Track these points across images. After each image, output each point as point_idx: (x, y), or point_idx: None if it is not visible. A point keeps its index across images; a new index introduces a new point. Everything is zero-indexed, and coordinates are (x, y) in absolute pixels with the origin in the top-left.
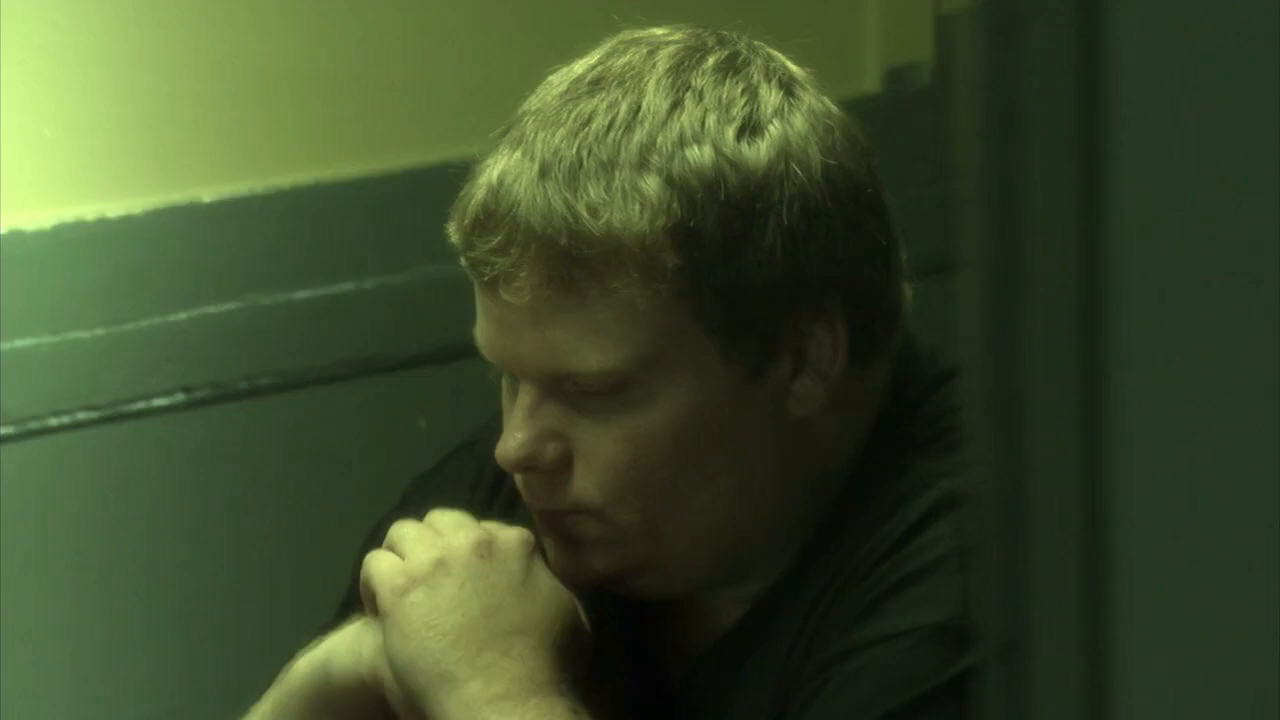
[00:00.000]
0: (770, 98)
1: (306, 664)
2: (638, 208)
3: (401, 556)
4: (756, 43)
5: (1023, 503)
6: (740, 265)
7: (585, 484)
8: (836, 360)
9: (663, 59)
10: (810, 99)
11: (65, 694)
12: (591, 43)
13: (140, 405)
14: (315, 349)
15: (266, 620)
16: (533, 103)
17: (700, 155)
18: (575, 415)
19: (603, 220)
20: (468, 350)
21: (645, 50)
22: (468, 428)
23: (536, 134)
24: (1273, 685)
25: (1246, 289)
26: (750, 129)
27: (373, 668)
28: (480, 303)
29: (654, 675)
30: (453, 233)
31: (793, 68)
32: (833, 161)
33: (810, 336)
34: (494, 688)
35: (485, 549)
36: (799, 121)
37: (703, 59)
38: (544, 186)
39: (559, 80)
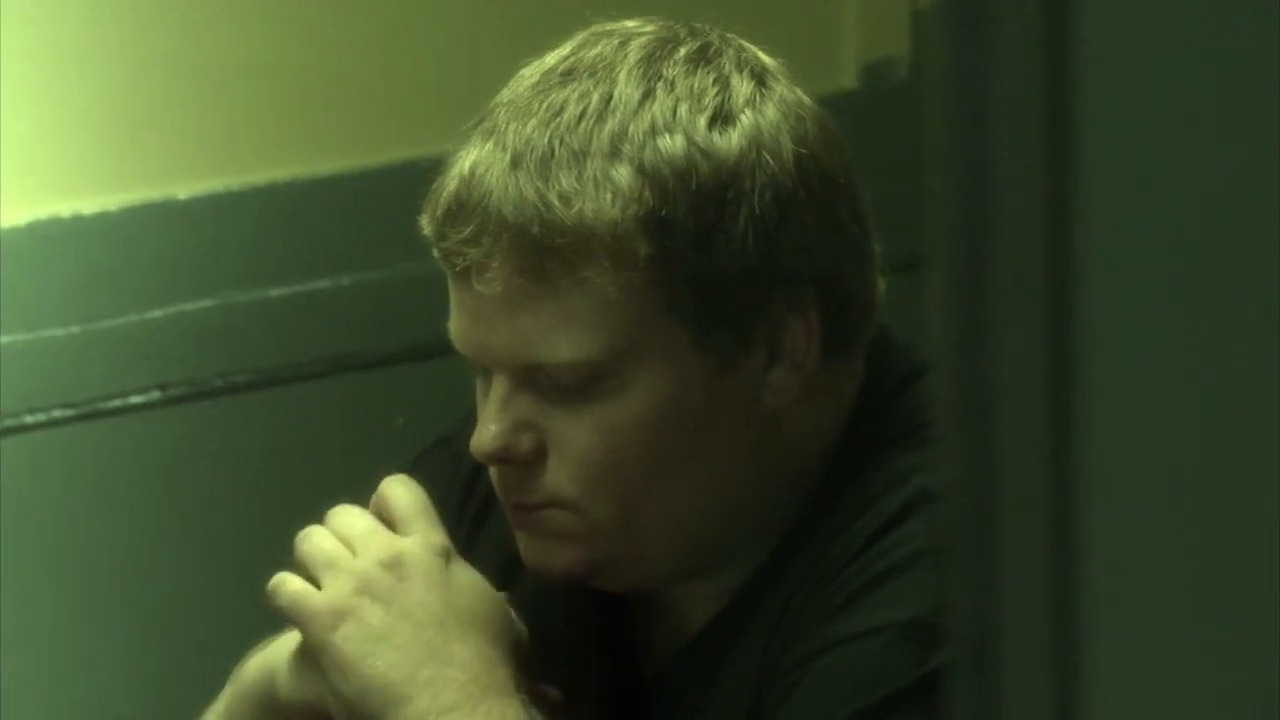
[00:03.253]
0: (742, 88)
1: (255, 669)
2: (609, 196)
3: (318, 583)
4: (729, 35)
5: (992, 499)
6: (712, 254)
7: (559, 476)
8: (810, 351)
9: (634, 50)
10: (782, 89)
11: (43, 693)
12: (566, 37)
13: (116, 403)
14: (292, 346)
15: (244, 618)
16: (505, 95)
17: (672, 144)
18: (548, 407)
19: (574, 209)
20: (445, 347)
21: (617, 41)
22: (444, 424)
23: (508, 124)
24: (1244, 682)
25: (1216, 283)
26: (722, 118)
27: (316, 696)
28: (453, 295)
29: (629, 672)
30: (425, 224)
31: (765, 59)
32: (805, 151)
33: (784, 327)
34: (442, 699)
35: (397, 566)
36: (771, 111)
37: (674, 50)
38: (515, 176)
39: (530, 72)
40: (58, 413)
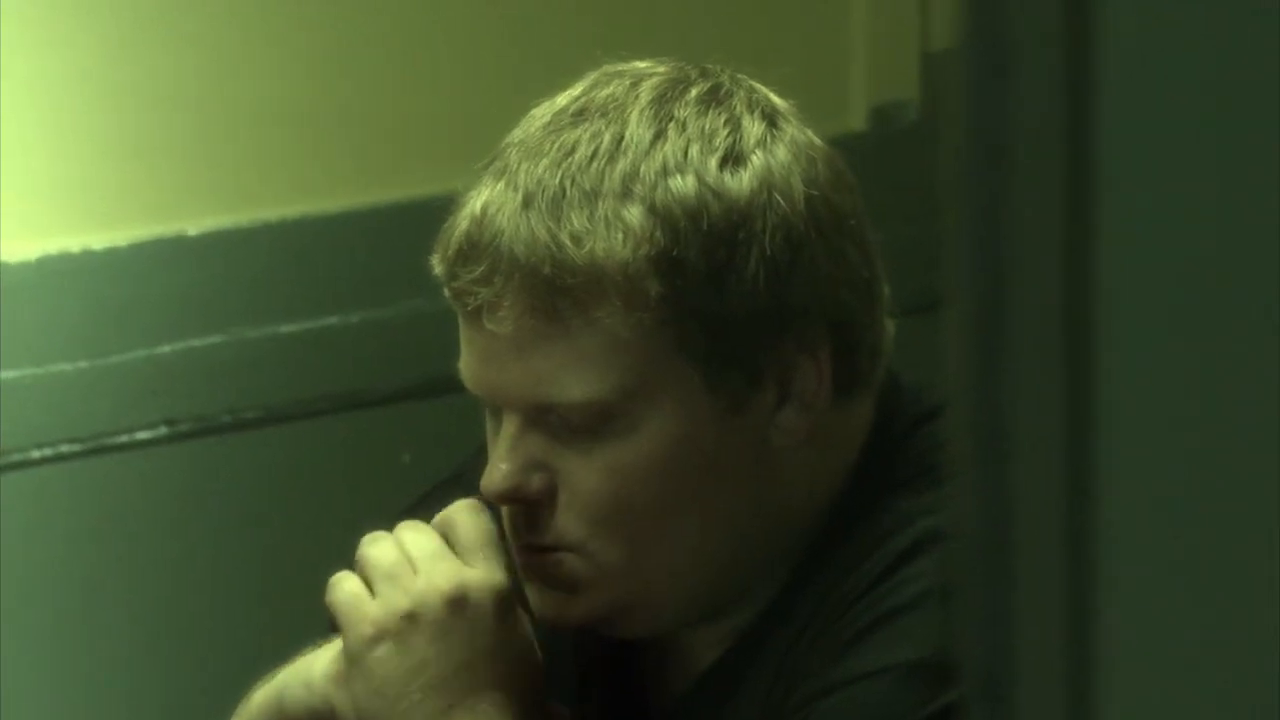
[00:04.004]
0: (753, 128)
1: (262, 695)
2: (621, 236)
3: (372, 590)
4: (739, 75)
5: (1007, 537)
6: (724, 294)
7: (568, 517)
8: (820, 391)
9: (645, 90)
10: (793, 130)
11: None
12: (577, 76)
13: (124, 438)
14: (300, 383)
15: (249, 653)
16: (516, 135)
17: (683, 185)
18: (559, 447)
19: (586, 249)
20: (452, 385)
21: (628, 82)
22: (453, 462)
23: (520, 164)
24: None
25: (1236, 322)
26: (733, 159)
27: (325, 698)
28: (464, 334)
29: (636, 711)
30: (436, 264)
31: (775, 100)
32: (815, 192)
33: (794, 367)
34: None
35: (458, 602)
36: (781, 152)
37: (685, 90)
38: (527, 216)
39: (542, 112)
40: (65, 448)
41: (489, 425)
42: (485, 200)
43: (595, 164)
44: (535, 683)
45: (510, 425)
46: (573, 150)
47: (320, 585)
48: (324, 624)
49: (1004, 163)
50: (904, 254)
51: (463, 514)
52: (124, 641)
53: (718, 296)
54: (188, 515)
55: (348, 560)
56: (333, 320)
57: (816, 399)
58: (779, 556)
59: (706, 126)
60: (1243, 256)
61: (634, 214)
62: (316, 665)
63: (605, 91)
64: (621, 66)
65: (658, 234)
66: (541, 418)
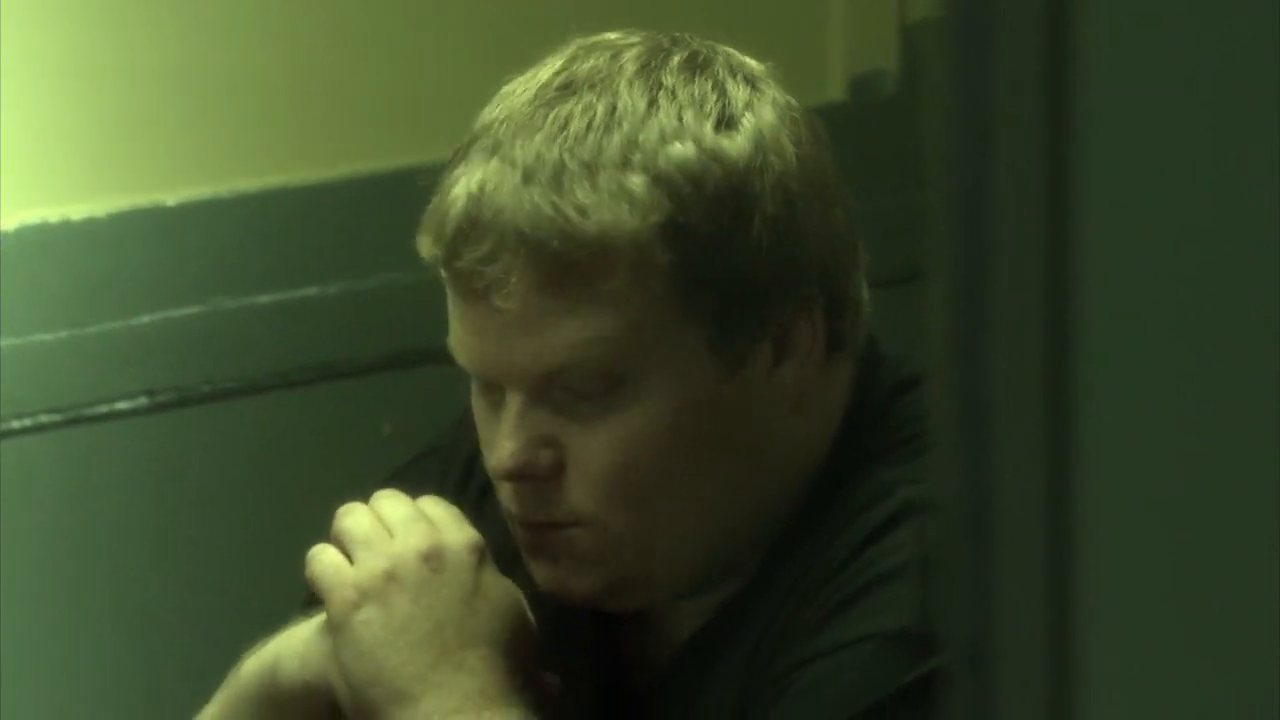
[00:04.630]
0: (738, 92)
1: (254, 665)
2: (626, 206)
3: (350, 558)
4: (708, 42)
5: (988, 506)
6: (729, 257)
7: (579, 491)
8: (814, 349)
9: (629, 61)
10: (774, 92)
11: (31, 699)
12: (554, 48)
13: (103, 409)
14: (279, 353)
15: (230, 623)
16: (495, 113)
17: (683, 150)
18: (566, 421)
19: (593, 221)
20: (432, 356)
21: (609, 54)
22: (431, 433)
23: (514, 140)
24: (1241, 691)
25: (1216, 295)
26: (725, 123)
27: (320, 673)
28: (461, 314)
29: (617, 685)
30: (428, 246)
31: (751, 63)
32: (803, 151)
33: (792, 326)
34: (448, 702)
35: (435, 559)
36: (769, 113)
37: (667, 59)
38: (529, 191)
39: (522, 88)
40: (44, 418)
41: (480, 404)
42: (481, 178)
43: (592, 135)
44: (524, 640)
45: (514, 403)
46: (567, 123)
47: (301, 555)
48: (302, 593)
49: (985, 134)
50: (884, 224)
51: (427, 501)
52: (105, 611)
53: (724, 260)
54: (168, 485)
55: (328, 530)
56: (312, 291)
57: (811, 356)
58: (765, 526)
59: (695, 93)
60: (1224, 230)
61: (637, 183)
62: (311, 640)
63: (587, 64)
64: (594, 39)
65: (663, 201)
66: (546, 393)
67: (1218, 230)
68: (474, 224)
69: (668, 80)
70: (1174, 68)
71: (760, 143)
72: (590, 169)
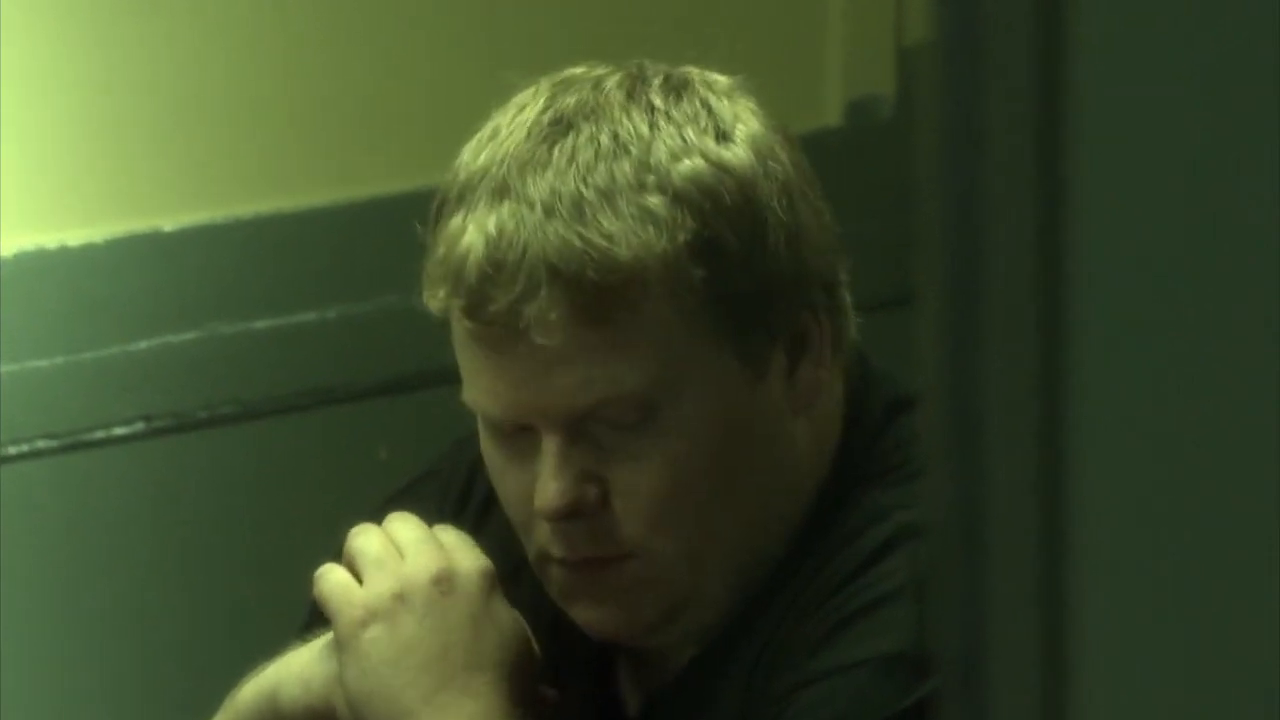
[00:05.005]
0: (722, 106)
1: (252, 691)
2: (652, 228)
3: (360, 578)
4: (669, 66)
5: (981, 530)
6: (752, 266)
7: (629, 521)
8: (823, 350)
9: (612, 90)
10: (748, 102)
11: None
12: (552, 70)
13: (100, 434)
14: (276, 379)
15: (228, 647)
16: (483, 159)
17: (694, 166)
18: (605, 454)
19: (623, 246)
20: (428, 380)
21: (589, 86)
22: (429, 457)
23: (523, 179)
24: (1234, 710)
25: (1208, 317)
26: (722, 136)
27: (324, 697)
28: (486, 362)
29: (616, 711)
30: (442, 299)
31: (721, 78)
32: (792, 156)
33: (804, 328)
34: None
35: (446, 582)
36: (755, 123)
37: (648, 84)
38: (553, 225)
39: (507, 131)
40: (41, 443)
41: (500, 453)
42: (496, 221)
43: (603, 164)
44: (527, 665)
45: (553, 443)
46: (574, 155)
47: (299, 580)
48: (300, 617)
49: (977, 156)
50: (880, 248)
51: (440, 530)
52: (102, 637)
53: (748, 269)
54: (165, 511)
55: (325, 555)
56: (309, 316)
57: (822, 357)
58: (773, 543)
59: (687, 111)
60: (1216, 248)
61: (657, 203)
62: (313, 664)
63: (571, 99)
64: (561, 75)
65: (686, 219)
66: (584, 429)
67: (1211, 253)
68: (499, 267)
69: (658, 102)
70: (1167, 92)
71: (758, 151)
72: (608, 196)
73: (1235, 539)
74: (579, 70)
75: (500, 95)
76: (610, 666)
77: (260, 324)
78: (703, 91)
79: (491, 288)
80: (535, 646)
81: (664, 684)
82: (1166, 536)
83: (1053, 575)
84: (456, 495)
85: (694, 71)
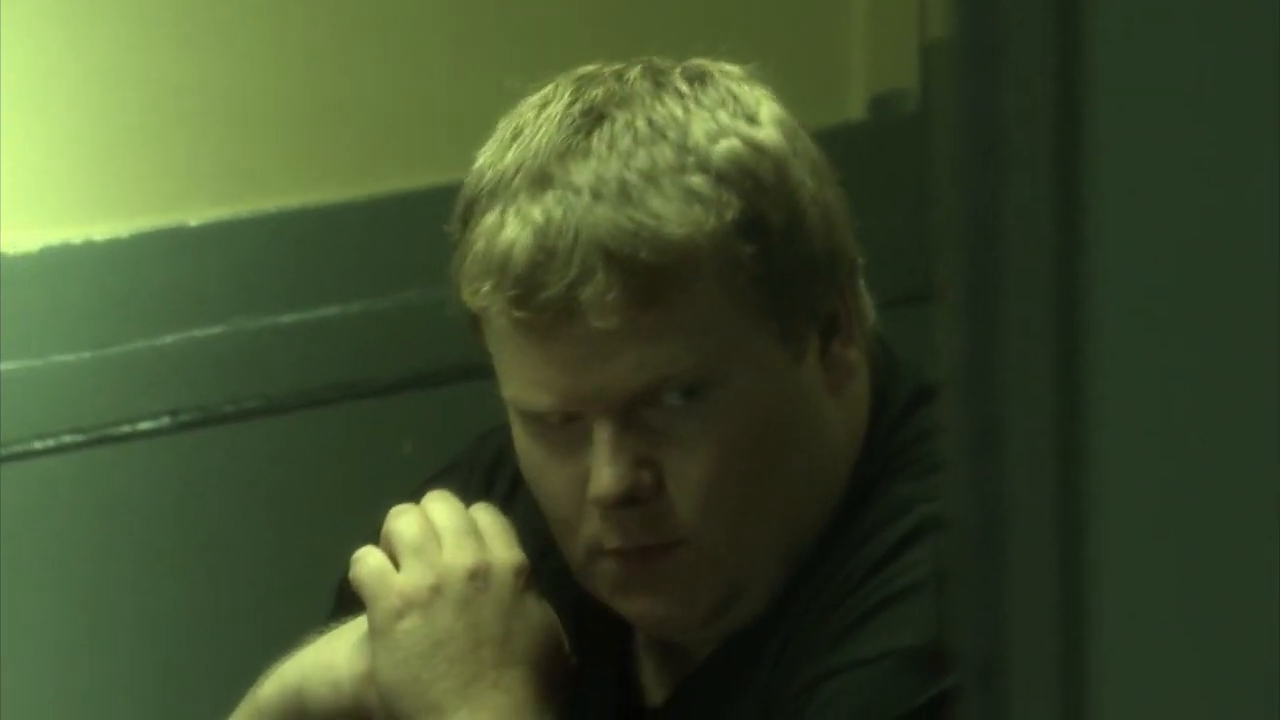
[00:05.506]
0: (744, 91)
1: (275, 688)
2: (699, 208)
3: (397, 564)
4: (678, 59)
5: (1000, 524)
6: (794, 243)
7: (684, 506)
8: (852, 329)
9: (636, 80)
10: (763, 89)
11: (50, 715)
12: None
13: (126, 429)
14: (301, 373)
15: (253, 641)
16: (512, 156)
17: (732, 146)
18: (657, 439)
19: (673, 225)
20: (453, 375)
21: (611, 78)
22: (452, 452)
23: (564, 168)
24: (1252, 706)
25: (1226, 311)
26: (751, 118)
27: (355, 695)
28: (534, 352)
29: (635, 702)
30: (485, 295)
31: (732, 66)
32: (808, 136)
33: (834, 310)
34: (479, 717)
35: (482, 577)
36: (775, 106)
37: (669, 74)
38: (601, 208)
39: (532, 127)
40: (67, 438)
41: (540, 447)
42: (542, 210)
43: (642, 149)
44: (557, 660)
45: (606, 430)
46: (614, 141)
47: (322, 573)
48: (324, 611)
49: (996, 151)
50: (904, 242)
51: (479, 511)
52: (127, 632)
53: (792, 247)
54: (190, 505)
55: (349, 549)
56: (334, 310)
57: (851, 336)
58: (805, 530)
59: (713, 97)
60: (1234, 245)
61: (701, 183)
62: (340, 663)
63: (598, 90)
64: (577, 73)
65: (731, 198)
66: (634, 415)
67: (1230, 248)
68: (550, 254)
69: (684, 89)
70: (1185, 87)
71: (785, 131)
72: (653, 179)
73: (1255, 535)
74: (590, 68)
75: (505, 101)
76: (632, 656)
77: (285, 318)
78: (721, 79)
79: (544, 274)
80: (565, 642)
81: (689, 674)
82: (1186, 532)
83: (1072, 571)
84: (479, 487)
85: (708, 61)
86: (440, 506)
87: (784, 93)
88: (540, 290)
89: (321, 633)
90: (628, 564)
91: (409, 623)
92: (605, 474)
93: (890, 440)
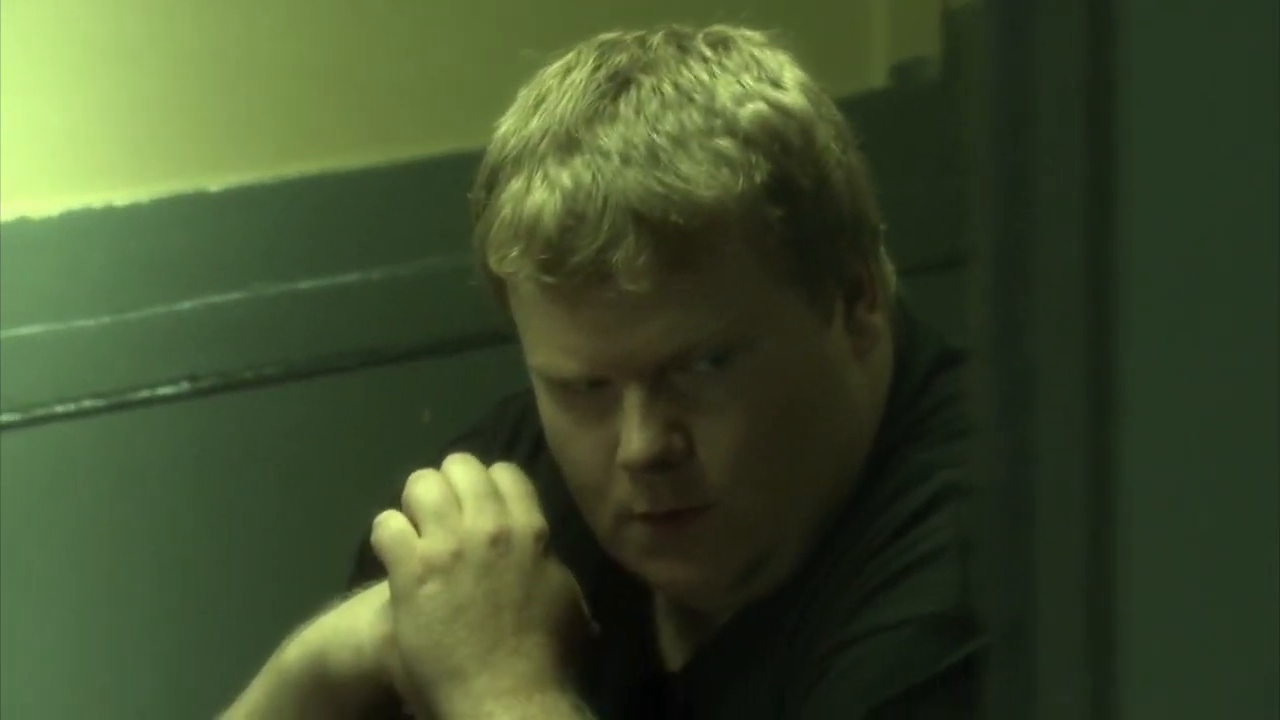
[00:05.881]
0: (766, 56)
1: (298, 653)
2: (728, 171)
3: (419, 530)
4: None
5: (1030, 489)
6: (822, 207)
7: (715, 470)
8: (876, 295)
9: (660, 46)
10: (786, 55)
11: (68, 683)
12: (592, 33)
13: (145, 394)
14: (320, 339)
15: (272, 606)
16: (537, 122)
17: (758, 109)
18: (687, 404)
19: (702, 188)
20: (473, 342)
21: (635, 44)
22: (471, 419)
23: (591, 132)
24: (1277, 669)
25: (1257, 279)
26: (775, 82)
27: (377, 659)
28: (564, 317)
29: (653, 667)
30: (515, 258)
31: (753, 33)
32: (831, 101)
33: (858, 272)
34: (500, 683)
35: (503, 543)
36: (798, 71)
37: (692, 40)
38: (631, 172)
39: (556, 93)
40: (88, 403)
41: (569, 415)
42: (571, 175)
43: (670, 113)
44: (577, 626)
45: (635, 395)
46: (641, 106)
47: (341, 539)
48: (342, 577)
49: (1027, 120)
50: (926, 210)
51: (499, 471)
52: (146, 596)
53: (819, 211)
54: (210, 470)
55: (367, 515)
56: (353, 277)
57: (875, 301)
58: (828, 497)
59: (738, 61)
60: (1265, 215)
61: (729, 146)
62: (362, 628)
63: (621, 56)
64: (597, 40)
65: (760, 160)
66: (664, 379)
67: (1263, 215)
68: (580, 218)
69: (709, 54)
70: (1218, 52)
71: (810, 96)
72: (681, 142)
73: None
74: (610, 35)
75: (525, 68)
76: (652, 622)
77: (304, 285)
78: (744, 45)
79: (574, 238)
80: (585, 609)
81: (709, 639)
82: (1214, 500)
83: (1101, 535)
84: (499, 453)
85: (727, 28)
86: (461, 470)
87: (805, 61)
88: (570, 254)
89: (344, 598)
90: (657, 528)
91: (430, 588)
92: (636, 438)
93: (912, 407)
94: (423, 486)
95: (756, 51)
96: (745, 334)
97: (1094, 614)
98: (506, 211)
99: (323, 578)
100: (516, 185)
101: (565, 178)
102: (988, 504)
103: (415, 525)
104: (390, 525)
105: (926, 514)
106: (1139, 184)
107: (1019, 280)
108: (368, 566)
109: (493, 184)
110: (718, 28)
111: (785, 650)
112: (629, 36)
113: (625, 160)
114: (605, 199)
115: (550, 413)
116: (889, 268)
